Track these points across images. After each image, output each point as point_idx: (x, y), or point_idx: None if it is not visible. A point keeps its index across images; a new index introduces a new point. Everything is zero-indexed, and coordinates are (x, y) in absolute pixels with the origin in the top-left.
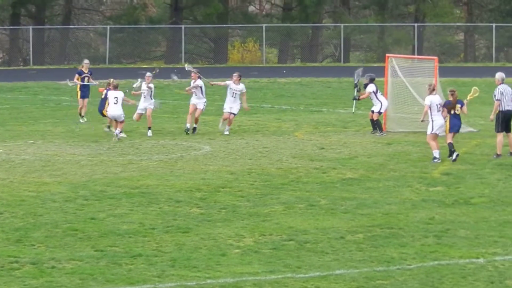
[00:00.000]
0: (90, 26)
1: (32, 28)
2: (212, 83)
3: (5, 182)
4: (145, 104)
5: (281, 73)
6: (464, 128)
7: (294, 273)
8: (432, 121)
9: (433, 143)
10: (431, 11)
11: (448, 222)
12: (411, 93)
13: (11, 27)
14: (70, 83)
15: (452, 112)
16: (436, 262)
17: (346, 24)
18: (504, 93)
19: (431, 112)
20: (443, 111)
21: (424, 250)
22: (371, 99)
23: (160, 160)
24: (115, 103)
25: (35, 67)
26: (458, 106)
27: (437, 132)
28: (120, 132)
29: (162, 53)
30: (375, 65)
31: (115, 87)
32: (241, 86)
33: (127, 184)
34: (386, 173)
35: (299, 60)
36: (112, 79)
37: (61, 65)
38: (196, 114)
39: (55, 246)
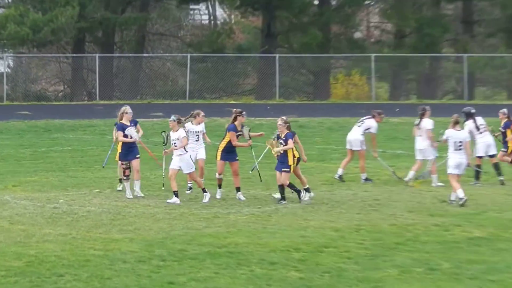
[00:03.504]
0: (167, 55)
1: (99, 56)
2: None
3: (66, 239)
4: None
5: (393, 111)
6: None
7: None
8: (448, 158)
9: (453, 184)
10: None
11: None
12: None
13: (74, 54)
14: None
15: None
16: None
17: (470, 55)
18: None
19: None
20: None
21: None
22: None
23: (251, 213)
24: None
25: (101, 102)
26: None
27: (455, 172)
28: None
29: (252, 87)
30: (505, 102)
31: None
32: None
33: (212, 242)
34: None
35: (414, 96)
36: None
37: (133, 100)
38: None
39: None
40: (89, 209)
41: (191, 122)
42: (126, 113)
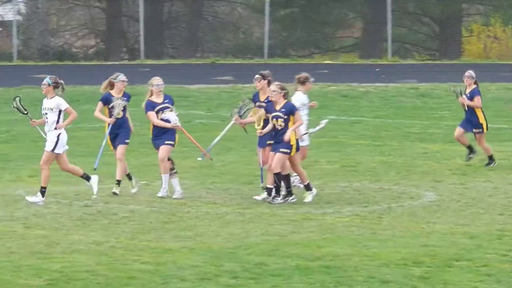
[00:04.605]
0: None
1: (144, 0)
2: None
3: (102, 248)
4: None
5: None
6: None
7: None
8: None
9: None
10: None
11: None
12: None
13: None
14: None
15: None
16: None
17: None
18: None
19: None
20: None
21: None
22: None
23: (355, 214)
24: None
25: (148, 62)
26: None
27: None
28: None
29: (354, 41)
30: None
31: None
32: None
33: (302, 252)
34: None
35: None
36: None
37: (190, 60)
38: None
39: None
40: (133, 208)
41: (299, 90)
42: (157, 85)
